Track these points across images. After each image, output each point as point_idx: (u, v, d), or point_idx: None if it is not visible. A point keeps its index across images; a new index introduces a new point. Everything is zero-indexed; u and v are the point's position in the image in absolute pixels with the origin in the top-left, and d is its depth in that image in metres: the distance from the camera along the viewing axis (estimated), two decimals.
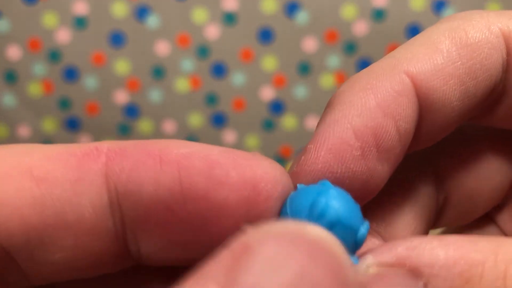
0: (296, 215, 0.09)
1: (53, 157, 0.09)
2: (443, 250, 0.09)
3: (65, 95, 0.58)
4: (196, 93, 0.58)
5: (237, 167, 0.09)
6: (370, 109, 0.11)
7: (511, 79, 0.12)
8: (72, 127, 0.58)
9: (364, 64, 0.57)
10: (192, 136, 0.59)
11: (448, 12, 0.56)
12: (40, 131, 0.58)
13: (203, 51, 0.57)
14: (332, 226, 0.09)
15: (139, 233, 0.09)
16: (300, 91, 0.58)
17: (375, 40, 0.56)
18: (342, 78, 0.57)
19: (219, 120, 0.58)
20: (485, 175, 0.14)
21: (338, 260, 0.07)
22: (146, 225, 0.09)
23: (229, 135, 0.59)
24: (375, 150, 0.11)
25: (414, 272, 0.09)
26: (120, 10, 0.56)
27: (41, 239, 0.09)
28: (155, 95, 0.58)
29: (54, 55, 0.56)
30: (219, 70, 0.57)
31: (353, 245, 0.09)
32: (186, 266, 0.10)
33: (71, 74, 0.57)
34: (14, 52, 0.56)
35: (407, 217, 0.13)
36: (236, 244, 0.08)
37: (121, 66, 0.57)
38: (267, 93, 0.58)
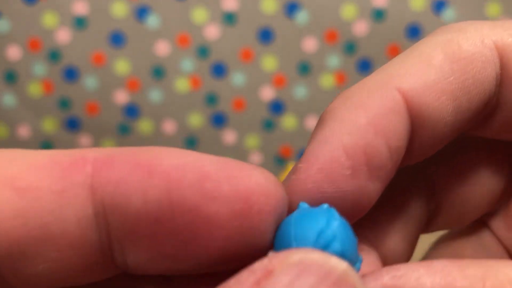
0: (301, 240, 0.09)
1: (36, 166, 0.09)
2: (430, 278, 0.09)
3: (65, 95, 0.58)
4: (196, 93, 0.58)
5: (229, 179, 0.09)
6: (361, 127, 0.11)
7: (505, 92, 0.11)
8: (72, 127, 0.58)
9: (364, 64, 0.57)
10: (192, 136, 0.59)
11: (448, 12, 0.56)
12: (40, 131, 0.58)
13: (203, 51, 0.57)
14: None
15: (126, 245, 0.09)
16: (300, 91, 0.58)
17: (375, 40, 0.56)
18: (342, 78, 0.57)
19: (219, 120, 0.58)
20: (477, 182, 0.14)
21: None
22: (133, 237, 0.09)
23: (229, 135, 0.59)
24: (366, 169, 0.11)
25: None
26: (120, 10, 0.56)
27: (24, 251, 0.09)
28: (155, 95, 0.58)
29: (54, 55, 0.56)
30: (219, 70, 0.57)
31: None
32: (174, 275, 0.10)
33: (71, 74, 0.57)
34: (14, 52, 0.56)
35: (397, 224, 0.13)
36: (259, 268, 0.08)
37: (121, 66, 0.57)
38: (267, 93, 0.58)
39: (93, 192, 0.09)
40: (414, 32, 0.56)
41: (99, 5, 0.55)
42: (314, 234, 0.09)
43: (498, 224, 0.15)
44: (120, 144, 0.59)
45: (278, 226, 0.10)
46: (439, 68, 0.11)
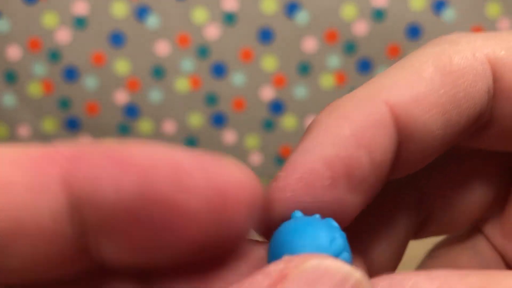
0: (310, 247, 0.09)
1: (8, 161, 0.09)
2: (428, 284, 0.08)
3: (65, 95, 0.58)
4: (196, 93, 0.58)
5: (204, 172, 0.09)
6: (344, 138, 0.11)
7: (498, 106, 0.11)
8: (72, 127, 0.58)
9: (364, 64, 0.57)
10: (192, 136, 0.59)
11: (448, 12, 0.56)
12: (40, 131, 0.58)
13: (203, 51, 0.57)
14: None
15: (101, 238, 0.09)
16: (300, 91, 0.58)
17: (375, 40, 0.56)
18: (342, 78, 0.57)
19: (219, 120, 0.58)
20: (468, 189, 0.14)
21: None
22: (108, 230, 0.09)
23: (229, 135, 0.59)
24: (346, 181, 0.11)
25: None
26: (120, 10, 0.56)
27: None
28: (155, 95, 0.58)
29: (54, 55, 0.56)
30: (219, 70, 0.57)
31: None
32: (152, 268, 0.10)
33: (71, 74, 0.57)
34: (14, 52, 0.56)
35: (384, 233, 0.13)
36: (274, 271, 0.08)
37: (121, 66, 0.57)
38: (267, 93, 0.58)
39: (66, 185, 0.09)
40: (414, 32, 0.56)
41: (99, 5, 0.55)
42: (326, 241, 0.09)
43: (493, 231, 0.15)
44: None
45: (274, 232, 0.10)
46: (429, 81, 0.11)
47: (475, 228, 0.15)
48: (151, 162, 0.09)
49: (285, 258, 0.08)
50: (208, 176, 0.09)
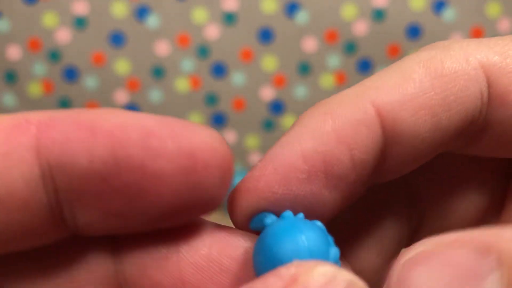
0: (311, 253, 0.09)
1: None
2: (510, 228, 0.08)
3: (65, 95, 0.58)
4: (196, 93, 0.58)
5: (173, 136, 0.09)
6: (324, 133, 0.11)
7: (493, 111, 0.11)
8: None
9: (364, 64, 0.57)
10: None
11: (448, 12, 0.56)
12: None
13: (203, 51, 0.57)
14: None
15: (75, 205, 0.09)
16: (300, 91, 0.58)
17: (375, 40, 0.56)
18: (342, 78, 0.57)
19: (219, 120, 0.58)
20: (461, 196, 0.13)
21: None
22: (82, 197, 0.09)
23: (229, 135, 0.59)
24: (323, 176, 0.10)
25: (483, 247, 0.08)
26: (120, 10, 0.56)
27: None
28: (155, 95, 0.58)
29: (54, 55, 0.56)
30: (219, 70, 0.57)
31: None
32: (124, 234, 0.10)
33: (71, 74, 0.57)
34: (14, 52, 0.56)
35: (373, 240, 0.13)
36: (286, 274, 0.08)
37: (121, 66, 0.57)
38: (267, 93, 0.58)
39: (38, 153, 0.09)
40: (414, 32, 0.56)
41: (99, 5, 0.55)
42: (324, 249, 0.09)
43: None
44: None
45: (266, 231, 0.10)
46: (418, 83, 0.11)
47: None
48: (121, 128, 0.09)
49: (296, 262, 0.09)
50: (178, 140, 0.09)
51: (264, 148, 0.59)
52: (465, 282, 0.08)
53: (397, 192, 0.14)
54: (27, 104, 0.57)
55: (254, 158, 0.59)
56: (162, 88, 0.57)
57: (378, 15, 0.56)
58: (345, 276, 0.08)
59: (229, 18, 0.56)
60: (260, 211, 0.11)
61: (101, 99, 0.57)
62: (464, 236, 0.08)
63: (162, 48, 0.57)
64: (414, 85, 0.11)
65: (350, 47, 0.57)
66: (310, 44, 0.57)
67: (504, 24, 0.56)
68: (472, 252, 0.08)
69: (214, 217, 0.11)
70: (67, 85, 0.57)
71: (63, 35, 0.56)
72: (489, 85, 0.11)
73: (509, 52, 0.11)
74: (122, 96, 0.58)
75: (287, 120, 0.59)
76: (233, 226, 0.11)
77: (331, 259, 0.10)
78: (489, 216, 0.14)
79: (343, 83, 0.57)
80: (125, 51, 0.56)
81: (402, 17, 0.56)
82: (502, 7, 0.56)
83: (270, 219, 0.10)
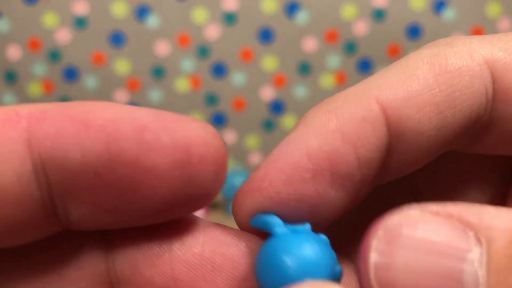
0: (312, 272, 0.09)
1: None
2: (492, 208, 0.08)
3: (65, 95, 0.58)
4: (196, 93, 0.58)
5: (167, 130, 0.09)
6: (329, 132, 0.10)
7: (498, 107, 0.11)
8: None
9: (364, 64, 0.57)
10: None
11: (448, 12, 0.56)
12: None
13: (203, 51, 0.57)
14: None
15: (67, 199, 0.09)
16: (300, 91, 0.58)
17: (375, 40, 0.56)
18: (342, 78, 0.57)
19: (219, 120, 0.58)
20: (463, 192, 0.13)
21: None
22: (75, 192, 0.09)
23: (229, 135, 0.59)
24: (329, 175, 0.10)
25: (463, 223, 0.08)
26: (120, 10, 0.56)
27: None
28: (155, 95, 0.58)
29: (54, 55, 0.56)
30: (219, 70, 0.57)
31: None
32: (117, 230, 0.10)
33: (71, 74, 0.57)
34: (14, 52, 0.56)
35: None
36: None
37: (121, 66, 0.57)
38: (267, 93, 0.58)
39: (30, 147, 0.09)
40: (414, 32, 0.56)
41: (99, 5, 0.55)
42: (331, 266, 0.09)
43: None
44: None
45: (269, 244, 0.10)
46: (422, 79, 0.10)
47: None
48: (114, 122, 0.09)
49: (308, 282, 0.09)
50: (172, 134, 0.09)
51: (264, 148, 0.59)
52: (447, 260, 0.08)
53: (400, 191, 0.14)
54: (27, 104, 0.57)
55: (254, 158, 0.59)
56: (162, 88, 0.57)
57: (378, 15, 0.56)
58: None
59: (229, 18, 0.56)
60: (265, 212, 0.10)
61: (101, 99, 0.57)
62: (445, 210, 0.08)
63: (162, 48, 0.57)
64: (418, 81, 0.10)
65: (350, 47, 0.57)
66: (310, 44, 0.57)
67: (504, 24, 0.56)
68: (452, 228, 0.08)
69: (215, 218, 0.11)
70: (67, 85, 0.57)
71: (63, 35, 0.56)
72: (494, 81, 0.11)
73: None
74: (122, 96, 0.58)
75: (287, 120, 0.59)
76: (234, 226, 0.11)
77: (336, 277, 0.10)
78: None
79: (343, 83, 0.57)
80: (125, 51, 0.56)
81: (402, 17, 0.56)
82: (502, 7, 0.56)
83: (277, 225, 0.10)
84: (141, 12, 0.56)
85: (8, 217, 0.09)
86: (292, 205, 0.10)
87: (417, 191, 0.14)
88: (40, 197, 0.09)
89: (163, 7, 0.56)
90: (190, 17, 0.56)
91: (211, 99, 0.58)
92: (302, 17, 0.56)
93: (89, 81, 0.57)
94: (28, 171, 0.09)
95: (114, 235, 0.10)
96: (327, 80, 0.58)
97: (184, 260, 0.10)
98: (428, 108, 0.10)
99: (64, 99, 0.57)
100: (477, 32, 0.56)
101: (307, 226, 0.10)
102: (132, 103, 0.57)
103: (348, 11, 0.56)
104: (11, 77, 0.57)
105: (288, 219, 0.10)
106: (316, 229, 0.10)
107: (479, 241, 0.08)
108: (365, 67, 0.57)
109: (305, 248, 0.09)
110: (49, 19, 0.55)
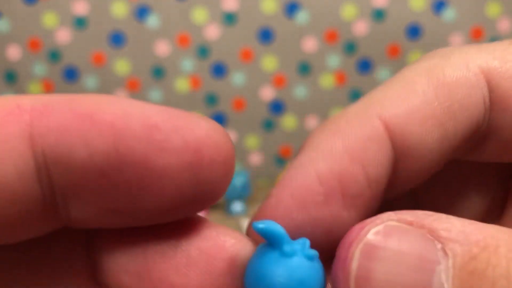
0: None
1: None
2: (459, 221, 0.09)
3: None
4: (196, 93, 0.58)
5: (178, 130, 0.09)
6: (337, 153, 0.10)
7: (496, 116, 0.11)
8: None
9: (364, 64, 0.57)
10: None
11: (448, 12, 0.56)
12: None
13: (203, 51, 0.57)
14: None
15: (70, 199, 0.09)
16: (300, 91, 0.58)
17: (375, 40, 0.56)
18: (342, 78, 0.57)
19: (219, 120, 0.58)
20: (464, 198, 0.13)
21: None
22: (78, 192, 0.08)
23: (229, 135, 0.59)
24: (340, 196, 0.10)
25: (432, 235, 0.08)
26: (120, 10, 0.56)
27: None
28: (155, 95, 0.58)
29: (54, 55, 0.56)
30: (219, 70, 0.57)
31: None
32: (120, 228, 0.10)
33: (71, 74, 0.57)
34: (14, 52, 0.56)
35: None
36: None
37: (121, 66, 0.57)
38: (267, 93, 0.58)
39: (32, 143, 0.08)
40: (414, 32, 0.56)
41: (99, 5, 0.55)
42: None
43: None
44: None
45: (251, 260, 0.10)
46: (422, 94, 0.11)
47: None
48: (123, 119, 0.08)
49: None
50: (183, 134, 0.09)
51: (264, 148, 0.59)
52: (417, 272, 0.08)
53: (401, 197, 0.14)
54: None
55: (254, 158, 0.59)
56: (162, 88, 0.57)
57: (378, 15, 0.56)
58: None
59: (229, 18, 0.56)
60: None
61: None
62: (418, 220, 0.09)
63: (162, 48, 0.57)
64: (418, 96, 0.11)
65: (350, 47, 0.57)
66: (310, 44, 0.57)
67: (504, 24, 0.56)
68: (424, 240, 0.08)
69: (215, 218, 0.10)
70: (67, 85, 0.57)
71: (63, 35, 0.56)
72: (490, 90, 0.11)
73: (508, 56, 0.11)
74: (122, 96, 0.58)
75: (287, 120, 0.59)
76: (234, 226, 0.11)
77: None
78: (490, 218, 0.14)
79: (343, 83, 0.57)
80: (125, 51, 0.56)
81: (402, 17, 0.56)
82: (502, 7, 0.56)
83: (285, 242, 0.10)
84: (141, 12, 0.56)
85: (7, 215, 0.08)
86: (306, 228, 0.10)
87: (417, 195, 0.14)
88: (41, 195, 0.08)
89: (163, 7, 0.56)
90: (190, 17, 0.56)
91: (211, 99, 0.58)
92: (302, 17, 0.56)
93: (89, 81, 0.57)
94: (29, 168, 0.08)
95: (100, 233, 0.10)
96: (327, 80, 0.58)
97: (159, 249, 0.10)
98: (430, 121, 0.11)
99: None
100: (477, 32, 0.56)
101: (307, 243, 0.10)
102: None
103: (348, 11, 0.56)
104: (11, 77, 0.57)
105: (295, 236, 0.11)
106: (328, 249, 0.11)
107: (446, 254, 0.08)
108: (365, 67, 0.57)
109: (299, 273, 0.09)
110: (49, 19, 0.55)
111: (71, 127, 0.08)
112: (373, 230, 0.09)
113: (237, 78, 0.57)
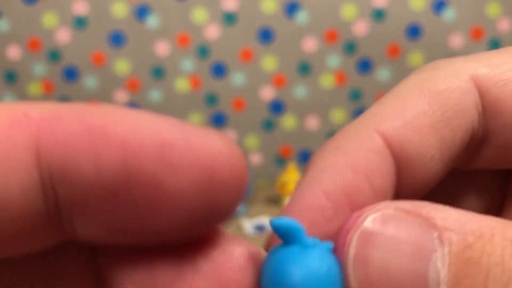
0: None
1: None
2: (456, 211, 0.09)
3: (65, 95, 0.58)
4: (196, 93, 0.58)
5: (191, 148, 0.08)
6: (340, 168, 0.11)
7: (489, 121, 0.11)
8: None
9: (364, 64, 0.57)
10: None
11: (448, 12, 0.56)
12: None
13: (203, 51, 0.57)
14: None
15: (75, 215, 0.08)
16: (300, 91, 0.58)
17: (375, 40, 0.56)
18: (342, 78, 0.57)
19: (219, 120, 0.58)
20: (462, 202, 0.14)
21: None
22: (84, 208, 0.08)
23: (229, 135, 0.59)
24: (348, 209, 0.11)
25: (429, 223, 0.09)
26: (120, 10, 0.56)
27: None
28: (155, 95, 0.58)
29: (54, 55, 0.56)
30: (219, 70, 0.57)
31: None
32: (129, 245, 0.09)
33: (71, 74, 0.57)
34: (14, 52, 0.56)
35: None
36: None
37: (121, 66, 0.57)
38: (267, 93, 0.58)
39: (38, 156, 0.08)
40: (414, 32, 0.56)
41: (99, 5, 0.55)
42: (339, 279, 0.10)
43: None
44: None
45: (276, 254, 0.10)
46: (416, 105, 0.11)
47: None
48: (134, 135, 0.08)
49: None
50: (196, 152, 0.08)
51: (264, 148, 0.59)
52: (414, 259, 0.09)
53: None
54: None
55: (254, 158, 0.59)
56: (162, 88, 0.57)
57: (378, 15, 0.56)
58: None
59: (229, 18, 0.56)
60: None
61: (101, 99, 0.57)
62: (415, 209, 0.09)
63: (162, 48, 0.57)
64: (412, 107, 0.11)
65: (350, 47, 0.57)
66: (310, 44, 0.57)
67: (504, 24, 0.56)
68: (421, 228, 0.09)
69: None
70: (67, 85, 0.57)
71: (63, 35, 0.56)
72: (481, 96, 0.11)
73: (496, 63, 0.12)
74: (122, 96, 0.58)
75: (287, 120, 0.59)
76: (235, 231, 0.11)
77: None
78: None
79: (343, 83, 0.57)
80: (125, 51, 0.56)
81: (402, 17, 0.56)
82: (502, 7, 0.56)
83: (303, 240, 0.10)
84: (141, 12, 0.56)
85: (9, 230, 0.08)
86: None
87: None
88: (45, 209, 0.08)
89: (163, 7, 0.56)
90: (190, 17, 0.56)
91: (211, 99, 0.58)
92: (302, 17, 0.56)
93: (89, 81, 0.57)
94: (34, 183, 0.08)
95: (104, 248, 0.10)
96: (327, 80, 0.58)
97: (166, 259, 0.10)
98: (426, 129, 0.11)
99: (64, 99, 0.57)
100: (477, 32, 0.56)
101: (329, 244, 0.10)
102: (132, 103, 0.57)
103: (348, 11, 0.56)
104: (11, 77, 0.57)
105: None
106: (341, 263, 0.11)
107: (442, 242, 0.09)
108: (365, 67, 0.57)
109: (325, 262, 0.09)
110: (49, 19, 0.55)
111: (80, 141, 0.08)
112: (370, 218, 0.09)
113: (237, 78, 0.57)
